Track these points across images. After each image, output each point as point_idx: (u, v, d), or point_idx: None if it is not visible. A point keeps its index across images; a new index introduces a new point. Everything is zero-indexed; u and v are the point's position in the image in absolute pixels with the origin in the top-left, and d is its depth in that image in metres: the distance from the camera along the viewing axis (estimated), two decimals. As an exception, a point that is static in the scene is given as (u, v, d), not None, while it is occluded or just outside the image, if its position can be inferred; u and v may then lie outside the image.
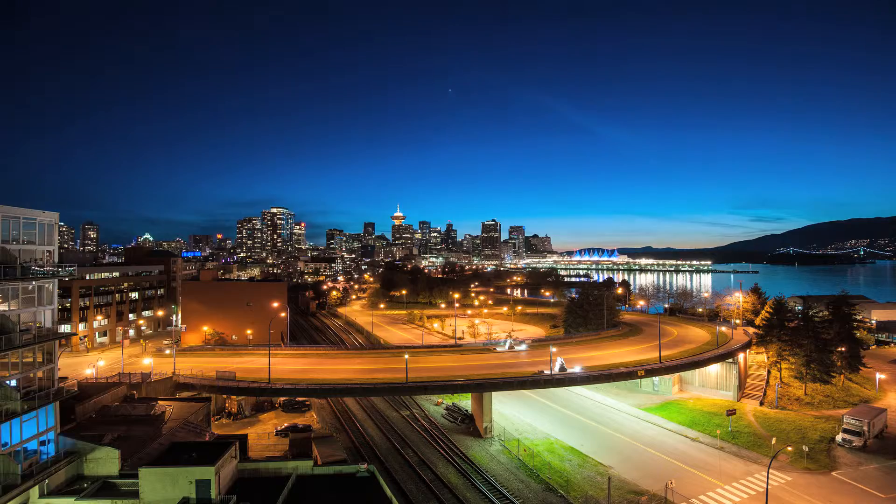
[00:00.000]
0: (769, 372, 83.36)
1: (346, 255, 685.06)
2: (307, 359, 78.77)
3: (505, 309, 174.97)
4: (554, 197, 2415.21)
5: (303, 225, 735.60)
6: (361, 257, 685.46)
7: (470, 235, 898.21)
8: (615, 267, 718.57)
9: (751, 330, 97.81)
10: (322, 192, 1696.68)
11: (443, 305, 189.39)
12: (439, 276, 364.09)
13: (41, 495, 37.93)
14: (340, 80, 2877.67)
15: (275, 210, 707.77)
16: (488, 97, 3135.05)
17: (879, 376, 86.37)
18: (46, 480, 38.17)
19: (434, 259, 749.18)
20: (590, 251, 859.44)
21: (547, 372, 66.12)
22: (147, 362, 68.19)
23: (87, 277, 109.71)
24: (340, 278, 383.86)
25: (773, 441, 61.81)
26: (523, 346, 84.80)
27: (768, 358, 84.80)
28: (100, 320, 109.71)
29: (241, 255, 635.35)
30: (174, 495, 35.78)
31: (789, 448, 52.91)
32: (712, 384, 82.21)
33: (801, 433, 65.22)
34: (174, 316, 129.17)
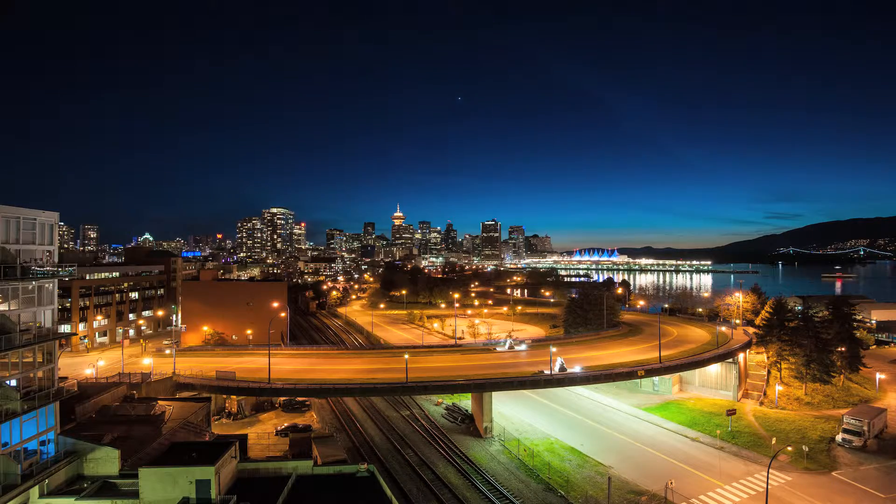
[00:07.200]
0: (769, 372, 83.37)
1: (346, 255, 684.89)
2: (307, 359, 78.76)
3: (505, 309, 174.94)
4: (554, 197, 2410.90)
5: (303, 225, 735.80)
6: (361, 257, 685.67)
7: (470, 235, 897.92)
8: (615, 267, 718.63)
9: (751, 330, 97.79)
10: (322, 192, 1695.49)
11: (443, 305, 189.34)
12: (439, 276, 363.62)
13: (41, 495, 37.88)
14: (340, 80, 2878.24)
15: (275, 210, 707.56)
16: (488, 97, 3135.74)
17: (879, 376, 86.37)
18: (46, 480, 38.13)
19: (434, 259, 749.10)
20: (590, 251, 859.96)
21: (547, 372, 66.12)
22: (147, 362, 68.11)
23: (87, 277, 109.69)
24: (340, 278, 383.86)
25: (773, 441, 61.82)
26: (523, 346, 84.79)
27: (768, 358, 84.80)
28: (100, 320, 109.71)
29: (241, 255, 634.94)
30: (174, 495, 35.77)
31: (789, 448, 52.85)
32: (712, 384, 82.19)
33: (801, 433, 65.23)
34: (174, 316, 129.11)
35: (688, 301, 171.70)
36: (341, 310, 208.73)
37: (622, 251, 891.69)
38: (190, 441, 45.74)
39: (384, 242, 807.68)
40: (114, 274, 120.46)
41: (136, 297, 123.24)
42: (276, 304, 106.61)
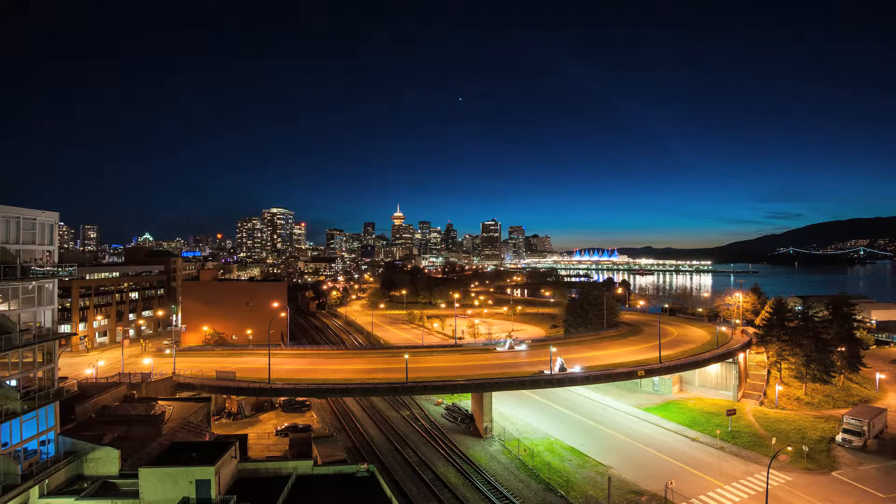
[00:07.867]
0: (769, 372, 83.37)
1: (346, 255, 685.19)
2: (307, 359, 78.77)
3: (505, 309, 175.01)
4: (554, 197, 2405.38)
5: (303, 225, 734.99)
6: (361, 257, 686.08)
7: (470, 235, 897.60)
8: (615, 267, 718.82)
9: (751, 330, 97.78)
10: (322, 192, 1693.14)
11: (443, 305, 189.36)
12: (439, 276, 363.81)
13: (41, 495, 37.89)
14: (340, 79, 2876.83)
15: (275, 210, 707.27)
16: (488, 97, 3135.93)
17: (879, 376, 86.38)
18: (46, 480, 38.13)
19: (434, 259, 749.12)
20: (590, 251, 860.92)
21: (547, 372, 66.12)
22: (147, 362, 68.14)
23: (87, 277, 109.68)
24: (340, 278, 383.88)
25: (773, 441, 61.83)
26: (523, 346, 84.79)
27: (768, 358, 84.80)
28: (100, 320, 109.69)
29: (241, 255, 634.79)
30: (174, 495, 35.77)
31: (789, 448, 52.92)
32: (712, 384, 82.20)
33: (801, 433, 65.26)
34: (174, 316, 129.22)
35: (688, 301, 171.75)
36: (341, 310, 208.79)
37: (622, 251, 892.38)
38: (190, 441, 45.76)
39: (384, 242, 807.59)
40: (114, 274, 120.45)
41: (136, 297, 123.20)
42: (276, 304, 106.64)
